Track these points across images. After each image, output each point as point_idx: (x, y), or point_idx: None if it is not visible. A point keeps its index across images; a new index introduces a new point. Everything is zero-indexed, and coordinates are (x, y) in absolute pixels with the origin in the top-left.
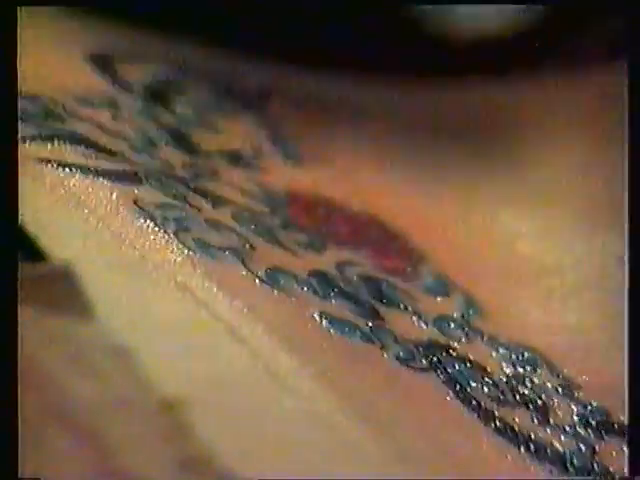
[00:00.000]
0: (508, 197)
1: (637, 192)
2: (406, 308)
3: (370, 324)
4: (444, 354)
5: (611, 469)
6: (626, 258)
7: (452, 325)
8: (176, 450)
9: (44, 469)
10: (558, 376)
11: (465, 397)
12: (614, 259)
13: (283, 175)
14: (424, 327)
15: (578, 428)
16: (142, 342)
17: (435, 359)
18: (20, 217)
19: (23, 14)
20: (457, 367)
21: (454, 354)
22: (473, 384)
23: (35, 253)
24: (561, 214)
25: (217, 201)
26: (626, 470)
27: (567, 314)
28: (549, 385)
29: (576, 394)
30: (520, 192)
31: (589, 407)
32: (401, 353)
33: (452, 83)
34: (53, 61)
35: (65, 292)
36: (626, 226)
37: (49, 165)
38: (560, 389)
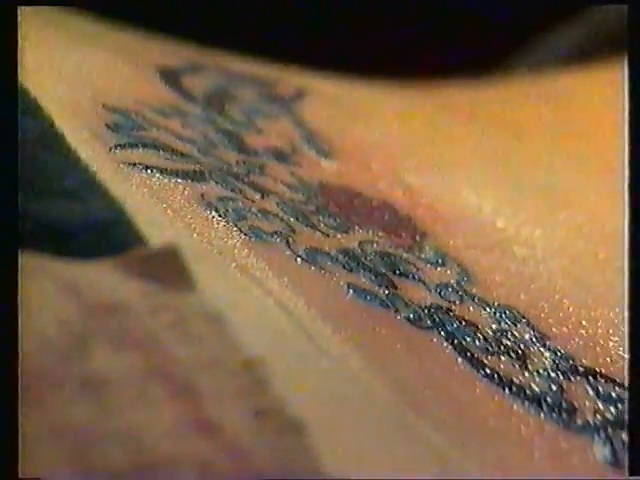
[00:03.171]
0: (490, 180)
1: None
2: (414, 277)
3: (386, 292)
4: (444, 315)
5: (575, 404)
6: (626, 258)
7: (449, 290)
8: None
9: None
10: (533, 329)
11: (461, 349)
12: (576, 232)
13: (316, 169)
14: (428, 293)
15: (550, 372)
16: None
17: (437, 319)
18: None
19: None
20: (454, 325)
21: (452, 314)
22: (467, 338)
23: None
24: (536, 204)
25: (265, 193)
26: (626, 470)
27: (539, 278)
28: (526, 337)
29: (547, 343)
30: (500, 176)
31: (558, 353)
32: (411, 315)
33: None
34: (129, 76)
35: (169, 269)
36: (626, 224)
37: (135, 168)
38: (535, 339)
